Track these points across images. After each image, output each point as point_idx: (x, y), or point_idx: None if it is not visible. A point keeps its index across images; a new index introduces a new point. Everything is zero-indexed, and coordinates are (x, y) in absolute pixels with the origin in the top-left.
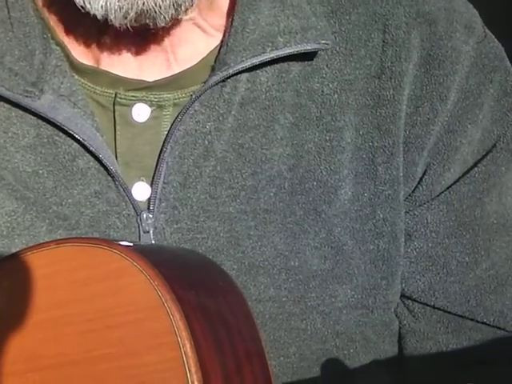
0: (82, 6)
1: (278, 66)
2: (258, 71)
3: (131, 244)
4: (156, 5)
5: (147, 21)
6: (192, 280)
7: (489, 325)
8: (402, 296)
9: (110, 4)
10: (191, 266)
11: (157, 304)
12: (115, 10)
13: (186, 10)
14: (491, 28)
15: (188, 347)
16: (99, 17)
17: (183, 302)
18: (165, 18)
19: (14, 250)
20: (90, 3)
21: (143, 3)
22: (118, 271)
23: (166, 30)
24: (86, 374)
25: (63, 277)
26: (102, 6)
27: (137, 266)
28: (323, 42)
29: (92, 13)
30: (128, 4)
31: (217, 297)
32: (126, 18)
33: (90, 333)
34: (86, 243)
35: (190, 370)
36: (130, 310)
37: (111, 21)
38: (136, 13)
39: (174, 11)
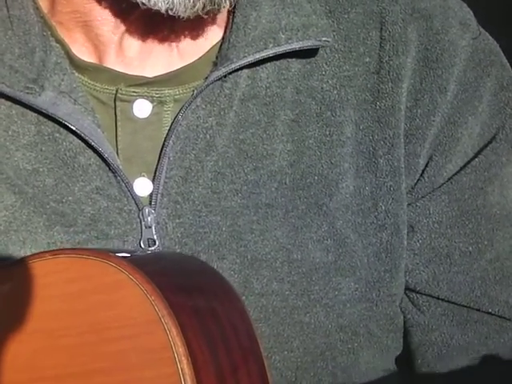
0: (142, 2)
1: (278, 63)
2: (258, 68)
3: (128, 254)
4: None
5: (214, 7)
6: (189, 289)
7: (494, 315)
8: (407, 289)
9: None
10: (188, 273)
11: (153, 319)
12: (184, 2)
13: None
14: (489, 27)
15: (185, 363)
16: (162, 10)
17: (180, 316)
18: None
19: (10, 246)
20: None
21: None
22: (114, 284)
23: (182, 24)
24: None
25: (59, 288)
26: (166, 1)
27: (133, 279)
28: (324, 39)
29: (155, 8)
30: None
31: (214, 304)
32: (195, 6)
33: (85, 346)
34: (82, 255)
35: None
36: (127, 324)
37: (177, 12)
38: (204, 1)
39: None
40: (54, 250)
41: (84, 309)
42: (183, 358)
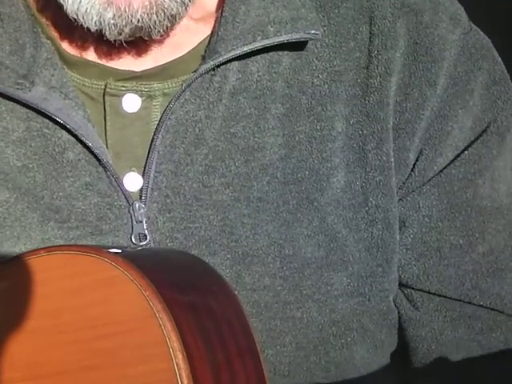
0: (74, 19)
1: (268, 56)
2: (248, 61)
3: (119, 250)
4: (151, 20)
5: (142, 34)
6: (183, 284)
7: (486, 307)
8: (401, 285)
9: (104, 21)
10: (182, 269)
11: (148, 314)
12: (109, 27)
13: (181, 18)
14: (492, 28)
15: (180, 358)
16: (93, 30)
17: (174, 311)
18: (159, 30)
19: (4, 242)
20: (83, 18)
21: (138, 20)
22: (109, 280)
23: None
24: (78, 383)
25: (54, 285)
26: (95, 22)
27: (128, 275)
28: (313, 32)
29: (85, 26)
30: (122, 21)
31: (208, 299)
32: (121, 34)
33: (80, 342)
34: (77, 251)
35: (182, 382)
36: (121, 319)
37: (105, 35)
38: (131, 29)
39: (168, 23)
40: (48, 247)
41: (79, 305)
42: (178, 353)
